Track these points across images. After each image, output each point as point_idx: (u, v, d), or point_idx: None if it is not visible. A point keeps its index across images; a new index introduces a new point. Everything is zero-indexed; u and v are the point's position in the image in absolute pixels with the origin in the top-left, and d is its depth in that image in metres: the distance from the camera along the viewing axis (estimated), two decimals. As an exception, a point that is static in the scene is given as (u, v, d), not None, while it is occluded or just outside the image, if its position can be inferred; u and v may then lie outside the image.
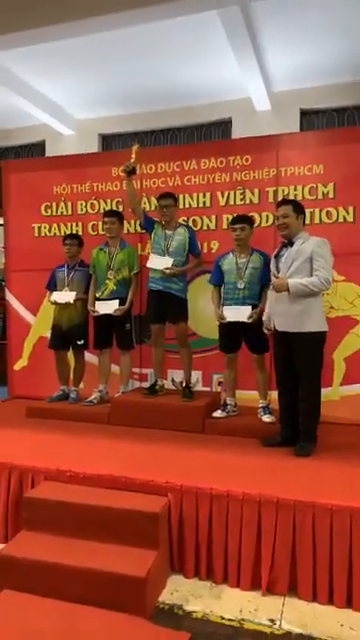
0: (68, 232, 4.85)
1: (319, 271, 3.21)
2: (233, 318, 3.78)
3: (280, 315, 3.33)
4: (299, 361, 3.30)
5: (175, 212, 4.18)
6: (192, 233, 4.18)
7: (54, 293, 4.45)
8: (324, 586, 2.37)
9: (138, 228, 4.50)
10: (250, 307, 3.74)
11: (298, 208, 3.38)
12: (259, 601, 2.38)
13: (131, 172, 4.07)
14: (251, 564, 2.48)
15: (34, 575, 2.37)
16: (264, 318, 3.55)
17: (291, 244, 3.34)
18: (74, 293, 4.37)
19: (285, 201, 3.49)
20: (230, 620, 2.25)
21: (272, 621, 2.24)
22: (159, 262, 4.06)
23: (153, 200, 4.64)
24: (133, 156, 4.04)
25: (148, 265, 4.12)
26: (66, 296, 4.38)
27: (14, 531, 2.82)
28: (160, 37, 5.17)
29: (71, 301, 4.35)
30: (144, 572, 2.27)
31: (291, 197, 4.18)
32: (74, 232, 4.84)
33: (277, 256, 3.43)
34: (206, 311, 4.34)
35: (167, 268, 4.01)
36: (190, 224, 4.45)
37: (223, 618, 2.27)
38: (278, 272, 3.35)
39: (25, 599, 2.31)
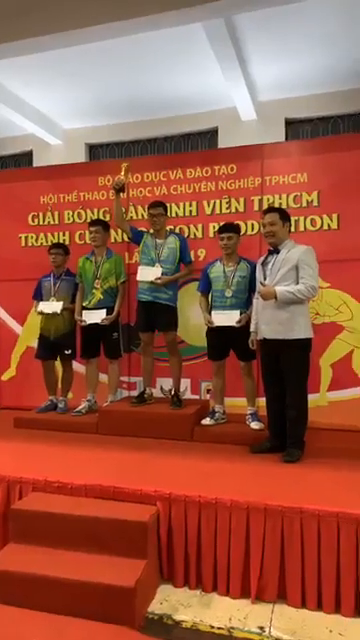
0: (55, 242, 4.85)
1: (305, 279, 3.25)
2: (222, 323, 3.80)
3: (267, 323, 3.36)
4: (286, 368, 3.32)
5: (165, 221, 4.20)
6: (183, 241, 4.20)
7: (41, 303, 4.44)
8: (313, 592, 2.38)
9: (125, 237, 4.52)
10: (238, 312, 3.77)
11: (284, 216, 3.42)
12: (248, 609, 2.38)
13: (120, 190, 4.10)
14: (240, 571, 2.48)
15: (22, 588, 2.35)
16: (251, 329, 3.58)
17: (277, 252, 3.37)
18: (61, 303, 4.36)
19: (272, 209, 3.53)
20: (219, 629, 2.25)
21: (261, 629, 2.24)
22: (148, 273, 4.06)
23: (140, 209, 4.67)
24: (122, 174, 4.07)
25: (138, 279, 4.12)
26: (53, 306, 4.37)
27: (2, 543, 2.79)
28: (146, 48, 5.22)
29: (58, 311, 4.34)
30: (133, 582, 2.26)
31: (276, 205, 4.24)
32: (61, 241, 4.84)
33: (264, 263, 3.46)
34: (194, 319, 4.36)
35: (157, 278, 4.02)
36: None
37: (213, 627, 2.26)
38: (265, 279, 3.38)
39: (13, 612, 2.29)
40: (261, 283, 3.40)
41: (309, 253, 3.33)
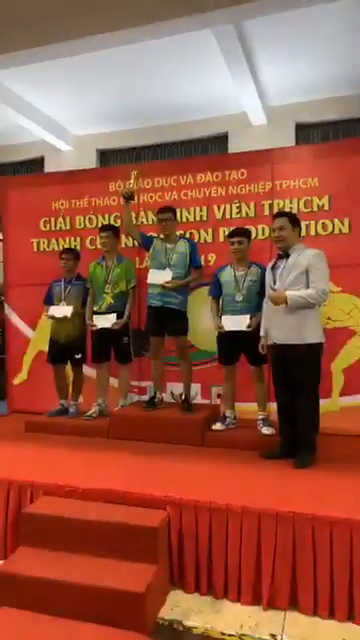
0: (67, 247, 4.88)
1: (316, 283, 3.24)
2: (232, 327, 3.80)
3: (278, 328, 3.34)
4: (297, 373, 3.30)
5: (174, 225, 4.21)
6: (193, 246, 4.20)
7: (51, 307, 4.47)
8: (325, 600, 2.35)
9: (136, 242, 4.54)
10: (249, 316, 3.76)
11: (294, 220, 3.42)
12: (260, 616, 2.36)
13: (129, 197, 4.12)
14: (251, 578, 2.46)
15: (33, 592, 2.35)
16: (261, 334, 3.56)
17: (287, 256, 3.36)
18: (71, 307, 4.38)
19: (281, 213, 3.53)
20: (230, 636, 2.23)
21: (273, 636, 2.22)
22: (158, 277, 4.07)
23: (150, 214, 4.69)
24: (132, 181, 4.08)
25: (148, 282, 4.13)
26: (63, 310, 4.39)
27: (13, 547, 2.80)
28: (157, 54, 5.26)
29: (68, 315, 4.36)
30: (143, 587, 2.25)
31: (286, 210, 4.23)
32: (72, 247, 4.88)
33: (273, 268, 3.45)
34: (205, 323, 4.35)
35: (167, 282, 4.03)
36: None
37: (224, 634, 2.24)
38: (275, 284, 3.37)
39: (24, 616, 2.30)
40: (271, 287, 3.39)
41: (319, 257, 3.31)
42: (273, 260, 3.51)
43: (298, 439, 3.33)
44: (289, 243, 3.36)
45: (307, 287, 3.25)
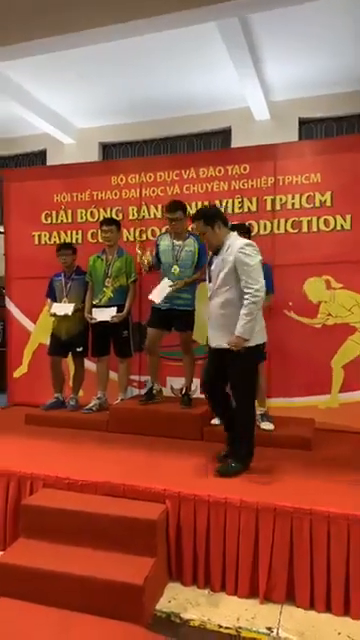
0: (68, 240, 4.88)
1: (244, 283, 2.93)
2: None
3: (214, 330, 3.16)
4: (232, 376, 3.10)
5: (184, 223, 4.05)
6: (202, 247, 4.01)
7: (54, 305, 4.45)
8: (322, 594, 2.37)
9: (137, 236, 4.52)
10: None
11: (208, 218, 3.07)
12: (257, 609, 2.38)
13: (150, 269, 4.11)
14: (249, 572, 2.48)
15: (31, 583, 2.37)
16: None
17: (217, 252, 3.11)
18: (72, 305, 4.37)
19: (194, 216, 3.20)
20: (227, 628, 2.25)
21: (269, 629, 2.23)
22: (160, 291, 4.00)
23: (152, 209, 4.68)
24: (140, 253, 4.08)
25: (151, 297, 4.04)
26: (65, 308, 4.38)
27: (12, 538, 2.82)
28: (160, 48, 5.23)
29: (69, 313, 4.35)
30: (141, 580, 2.27)
31: (289, 205, 4.24)
32: (74, 240, 4.88)
33: (209, 264, 3.23)
34: (204, 318, 4.32)
35: (170, 285, 3.99)
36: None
37: (220, 626, 2.26)
38: (210, 281, 3.19)
39: (22, 607, 2.32)
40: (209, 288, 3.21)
41: (243, 251, 2.96)
42: (209, 256, 3.27)
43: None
44: (215, 244, 3.09)
45: (237, 284, 2.97)
